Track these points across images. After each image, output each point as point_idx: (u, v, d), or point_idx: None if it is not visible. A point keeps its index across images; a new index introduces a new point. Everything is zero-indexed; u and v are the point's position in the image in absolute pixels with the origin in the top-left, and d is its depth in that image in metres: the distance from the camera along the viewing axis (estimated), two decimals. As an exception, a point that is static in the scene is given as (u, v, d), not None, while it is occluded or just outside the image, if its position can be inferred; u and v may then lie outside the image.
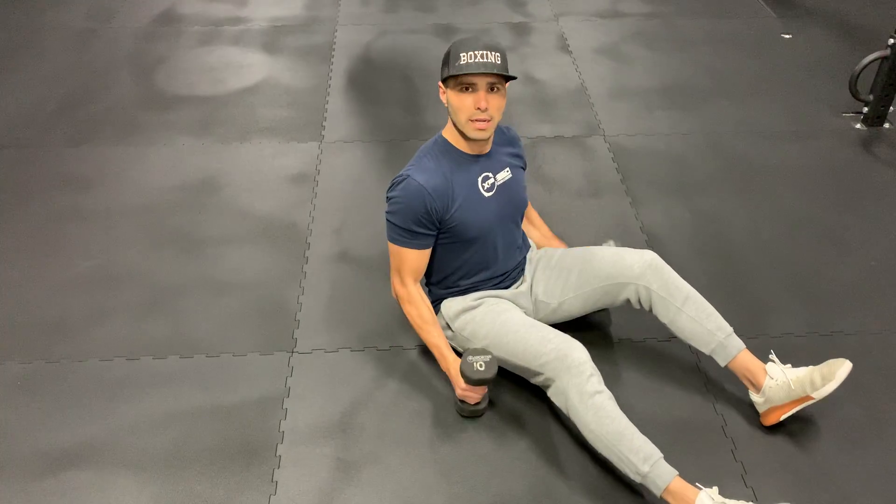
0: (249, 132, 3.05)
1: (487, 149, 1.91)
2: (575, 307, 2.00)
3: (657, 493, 1.65)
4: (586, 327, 2.16)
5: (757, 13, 3.96)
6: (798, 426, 1.90)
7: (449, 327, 1.98)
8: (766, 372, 1.84)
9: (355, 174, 2.79)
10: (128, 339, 2.15)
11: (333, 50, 3.63)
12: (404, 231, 1.86)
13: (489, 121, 1.79)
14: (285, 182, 2.76)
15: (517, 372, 1.91)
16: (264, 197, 2.69)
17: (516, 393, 1.98)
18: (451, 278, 1.99)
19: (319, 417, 1.93)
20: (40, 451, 1.86)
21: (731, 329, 1.87)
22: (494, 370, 1.80)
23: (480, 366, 1.79)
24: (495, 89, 1.77)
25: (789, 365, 1.86)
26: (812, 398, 1.78)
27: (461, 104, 1.77)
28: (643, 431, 1.75)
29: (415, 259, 1.90)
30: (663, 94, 3.29)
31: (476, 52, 1.73)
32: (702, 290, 2.29)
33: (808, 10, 3.99)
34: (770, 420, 1.86)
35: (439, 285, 2.02)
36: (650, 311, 1.93)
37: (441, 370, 1.94)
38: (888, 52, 2.89)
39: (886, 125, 3.08)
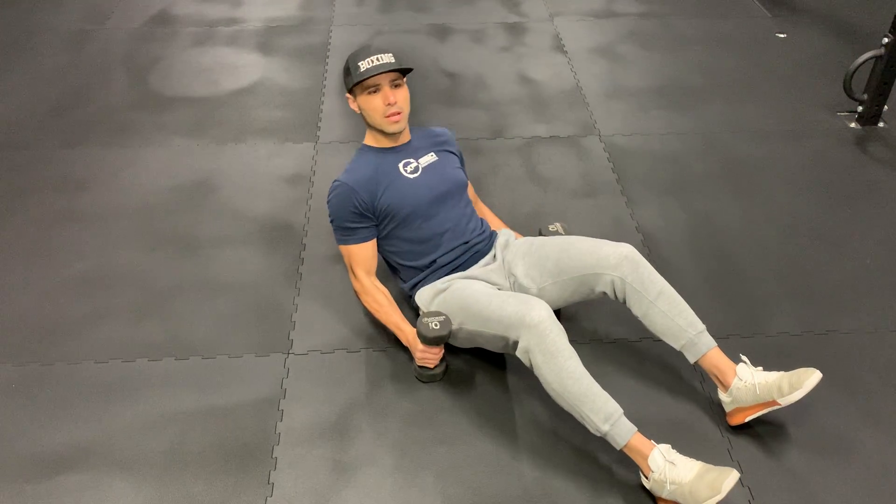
0: (244, 133, 3.04)
1: (406, 139, 2.11)
2: (553, 295, 1.99)
3: (617, 448, 1.72)
4: (584, 327, 2.17)
5: (751, 13, 3.97)
6: (795, 425, 1.90)
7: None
8: (735, 372, 1.84)
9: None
10: (123, 341, 2.14)
11: (329, 50, 3.62)
12: (344, 230, 2.05)
13: (401, 112, 2.00)
14: (280, 183, 2.76)
15: (492, 347, 1.94)
16: (259, 198, 2.68)
17: (514, 393, 1.98)
18: (414, 264, 2.07)
19: (315, 419, 1.93)
20: (35, 453, 1.85)
21: (703, 327, 1.87)
22: (449, 328, 1.89)
23: (435, 325, 1.89)
24: (397, 85, 1.99)
25: (760, 368, 1.85)
26: (778, 404, 1.77)
27: (372, 105, 1.98)
28: (641, 430, 1.75)
29: (360, 253, 2.06)
30: (658, 93, 3.29)
31: (372, 58, 1.95)
32: (697, 289, 2.30)
33: (802, 10, 4.00)
34: (735, 420, 1.86)
35: (408, 279, 2.10)
36: (625, 303, 1.93)
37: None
38: (882, 51, 2.90)
39: (881, 124, 3.09)
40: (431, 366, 1.98)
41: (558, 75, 3.42)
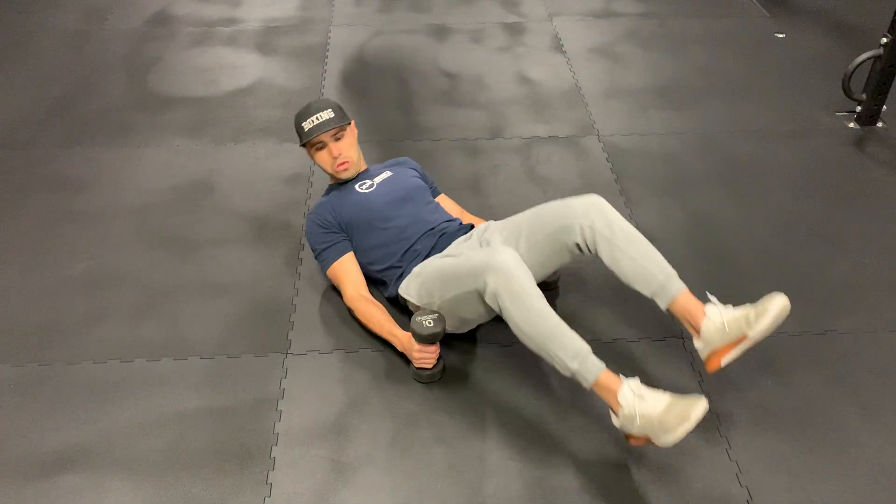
0: (243, 133, 3.04)
1: (363, 168, 2.32)
2: (531, 260, 1.97)
3: (586, 386, 1.73)
4: (584, 327, 2.16)
5: (750, 13, 3.97)
6: (793, 425, 1.91)
7: (417, 307, 2.05)
8: (705, 314, 1.81)
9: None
10: (121, 341, 2.14)
11: (327, 50, 3.62)
12: (322, 252, 2.20)
13: (348, 161, 2.22)
14: (280, 183, 2.76)
15: (475, 313, 1.94)
16: (258, 198, 2.68)
17: (512, 393, 1.99)
18: (391, 263, 2.14)
19: (314, 419, 1.93)
20: (34, 454, 1.85)
21: (673, 271, 1.86)
22: (443, 325, 1.92)
23: (429, 323, 1.92)
24: (338, 137, 2.21)
25: (730, 305, 1.81)
26: (747, 336, 1.73)
27: (322, 160, 2.23)
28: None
29: (342, 268, 2.18)
30: (657, 93, 3.29)
31: (312, 118, 2.17)
32: (695, 289, 2.30)
33: (801, 10, 4.00)
34: (712, 365, 1.81)
35: (392, 280, 2.15)
36: (596, 254, 1.92)
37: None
38: (881, 51, 2.90)
39: (880, 124, 3.09)
40: (429, 366, 1.98)
41: (557, 75, 3.42)
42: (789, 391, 2.00)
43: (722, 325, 1.76)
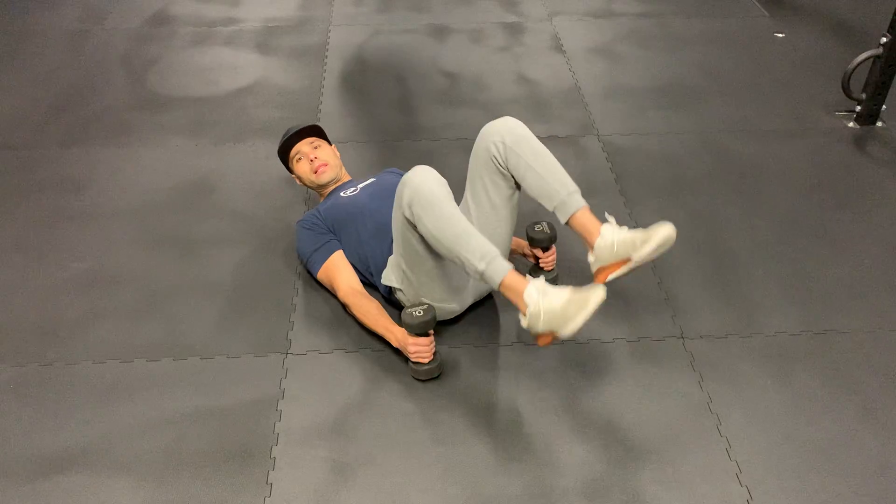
0: (243, 133, 3.04)
1: (346, 178, 2.42)
2: (491, 201, 2.04)
3: (494, 286, 1.80)
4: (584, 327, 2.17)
5: (750, 12, 3.97)
6: (793, 423, 1.91)
7: (400, 290, 2.07)
8: (600, 232, 1.90)
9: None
10: (121, 341, 2.14)
11: (327, 50, 3.62)
12: (312, 253, 2.23)
13: (326, 163, 2.33)
14: (279, 183, 2.76)
15: (436, 281, 1.99)
16: (258, 198, 2.68)
17: (512, 393, 1.99)
18: (375, 258, 2.15)
19: (314, 419, 1.93)
20: (33, 454, 1.85)
21: (576, 188, 1.96)
22: (433, 313, 1.95)
23: (419, 312, 1.94)
24: (316, 146, 2.35)
25: (625, 227, 1.90)
26: (631, 259, 1.83)
27: (302, 169, 2.35)
28: (638, 431, 1.76)
29: (334, 265, 2.20)
30: (657, 93, 3.29)
31: (290, 133, 2.37)
32: (695, 288, 2.30)
33: (800, 9, 4.00)
34: (599, 279, 1.92)
35: (377, 274, 2.16)
36: (507, 168, 1.99)
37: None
38: (880, 50, 2.90)
39: (879, 123, 3.09)
40: (425, 360, 1.99)
41: (557, 75, 3.42)
42: (789, 391, 2.00)
43: (612, 245, 1.87)
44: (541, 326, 1.75)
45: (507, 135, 1.99)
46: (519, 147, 1.98)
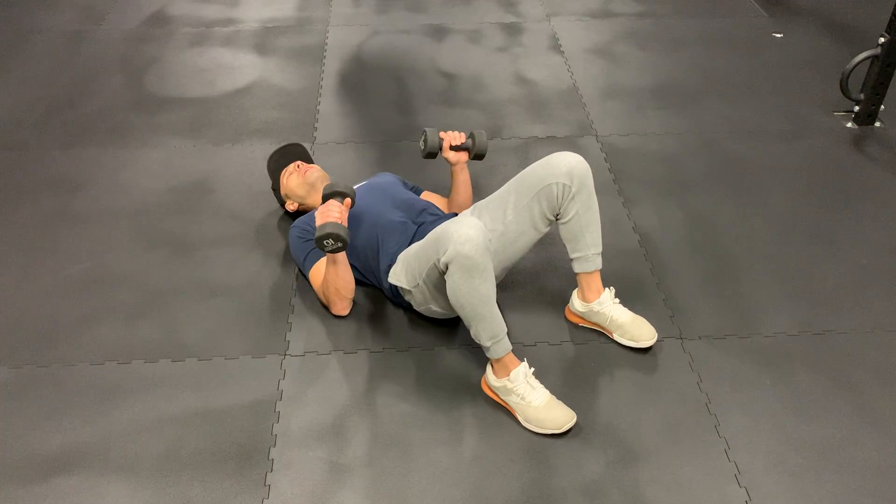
0: (241, 134, 3.04)
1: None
2: (522, 227, 2.06)
3: (490, 357, 1.91)
4: (582, 327, 2.17)
5: (748, 12, 3.97)
6: (791, 424, 1.90)
7: (409, 291, 2.06)
8: (598, 297, 2.09)
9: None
10: (119, 342, 2.14)
11: (325, 51, 3.62)
12: (305, 256, 2.20)
13: (312, 167, 2.40)
14: (277, 184, 2.75)
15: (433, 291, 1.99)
16: (256, 199, 2.68)
17: (510, 394, 1.98)
18: (374, 255, 2.15)
19: (312, 420, 1.92)
20: (31, 456, 1.84)
21: (601, 249, 2.09)
22: (341, 186, 2.06)
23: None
24: (301, 167, 2.41)
25: (619, 301, 2.11)
26: (612, 334, 2.10)
27: (294, 182, 2.39)
28: (637, 431, 1.75)
29: (322, 267, 2.17)
30: (655, 93, 3.29)
31: (278, 153, 2.47)
32: (694, 289, 2.30)
33: (799, 10, 4.00)
34: (571, 318, 2.18)
35: (380, 278, 2.15)
36: (559, 208, 2.04)
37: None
38: (879, 50, 2.90)
39: (877, 124, 3.09)
40: (334, 219, 1.96)
41: (555, 76, 3.42)
42: (788, 392, 1.99)
43: (606, 317, 2.09)
44: (508, 401, 1.91)
45: (574, 180, 2.01)
46: (580, 196, 2.03)
